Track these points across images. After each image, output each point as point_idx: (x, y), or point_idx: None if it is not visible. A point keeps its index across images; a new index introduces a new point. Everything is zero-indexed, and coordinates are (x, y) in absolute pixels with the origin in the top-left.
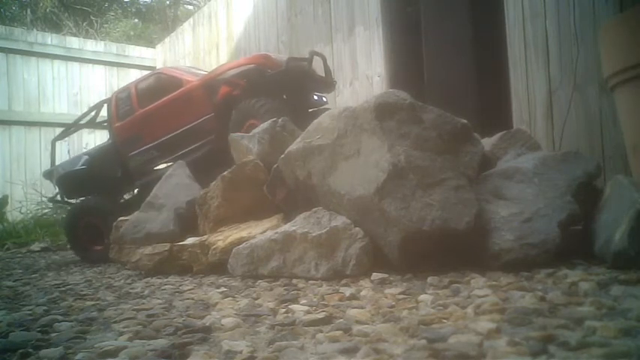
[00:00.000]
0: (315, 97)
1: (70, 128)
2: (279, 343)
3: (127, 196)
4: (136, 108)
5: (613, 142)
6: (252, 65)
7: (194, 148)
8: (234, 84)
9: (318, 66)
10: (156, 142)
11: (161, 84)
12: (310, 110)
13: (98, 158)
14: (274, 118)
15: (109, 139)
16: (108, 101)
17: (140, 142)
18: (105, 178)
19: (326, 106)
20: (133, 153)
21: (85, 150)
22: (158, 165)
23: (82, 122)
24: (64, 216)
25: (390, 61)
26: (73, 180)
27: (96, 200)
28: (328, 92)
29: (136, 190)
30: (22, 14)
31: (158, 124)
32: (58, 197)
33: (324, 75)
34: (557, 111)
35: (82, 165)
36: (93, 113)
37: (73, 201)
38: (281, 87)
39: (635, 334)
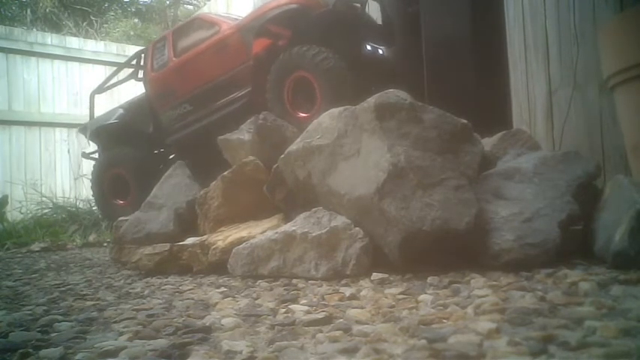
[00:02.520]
0: (369, 48)
1: (108, 80)
2: (279, 343)
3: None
4: (170, 58)
5: (613, 142)
6: (294, 5)
7: (228, 101)
8: (273, 30)
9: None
10: (188, 96)
11: (197, 31)
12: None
13: (131, 112)
14: (333, 71)
15: (144, 92)
16: (145, 50)
17: (172, 95)
18: (136, 133)
19: (382, 60)
20: (165, 107)
21: (121, 103)
22: (190, 120)
23: (118, 75)
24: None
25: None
26: (105, 134)
27: (124, 152)
28: (387, 45)
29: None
30: (22, 14)
31: (191, 76)
32: (93, 153)
33: (381, 24)
34: (557, 111)
35: (115, 119)
36: (133, 64)
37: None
38: (329, 31)
39: (635, 334)
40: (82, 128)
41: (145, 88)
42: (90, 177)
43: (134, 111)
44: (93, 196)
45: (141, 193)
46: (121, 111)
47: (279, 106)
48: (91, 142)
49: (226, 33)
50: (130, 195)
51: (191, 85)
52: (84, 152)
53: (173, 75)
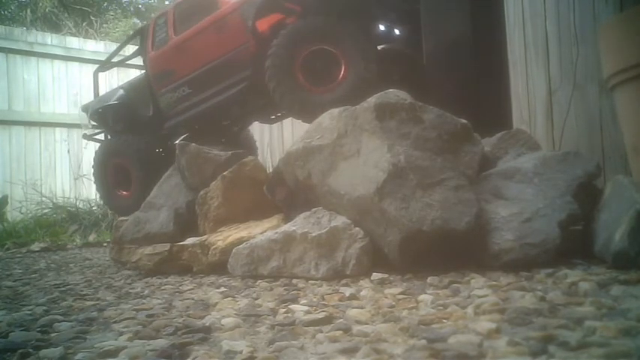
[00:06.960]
0: (383, 28)
1: (111, 58)
2: (279, 343)
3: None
4: (170, 36)
5: (613, 142)
6: None
7: (226, 86)
8: (279, 5)
9: None
10: (186, 77)
11: (198, 7)
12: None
13: (131, 94)
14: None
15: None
16: (147, 26)
17: (171, 76)
18: (136, 116)
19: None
20: (163, 89)
21: (121, 83)
22: (188, 105)
23: (121, 53)
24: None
25: None
26: (105, 116)
27: (124, 140)
28: (409, 22)
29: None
30: (21, 14)
31: (189, 56)
32: (95, 134)
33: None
34: (557, 111)
35: (115, 100)
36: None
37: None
38: (337, 5)
39: (635, 334)
40: (85, 107)
41: (145, 68)
42: (92, 167)
43: (134, 92)
44: (96, 188)
45: (143, 183)
46: (121, 92)
47: (287, 79)
48: (92, 122)
49: (225, 10)
50: (132, 186)
51: (190, 67)
52: (85, 134)
53: (172, 55)
